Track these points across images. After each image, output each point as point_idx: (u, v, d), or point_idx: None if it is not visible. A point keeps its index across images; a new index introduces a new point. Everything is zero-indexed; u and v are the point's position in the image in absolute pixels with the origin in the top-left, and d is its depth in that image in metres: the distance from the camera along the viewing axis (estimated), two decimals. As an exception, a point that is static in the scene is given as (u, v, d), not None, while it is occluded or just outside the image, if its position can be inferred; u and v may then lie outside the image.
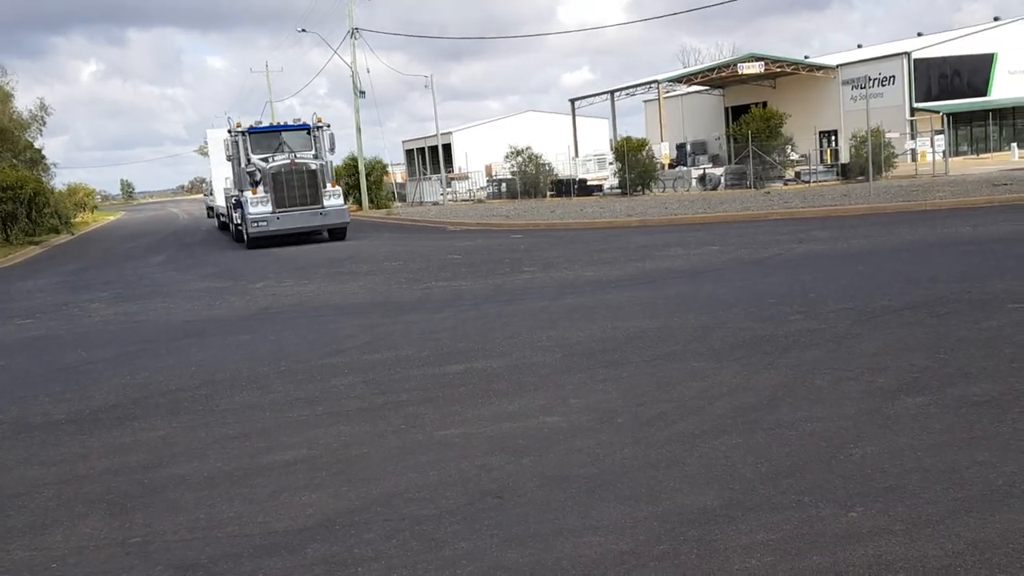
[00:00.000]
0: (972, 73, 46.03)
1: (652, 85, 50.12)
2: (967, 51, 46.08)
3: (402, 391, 6.36)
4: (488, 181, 52.31)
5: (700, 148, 55.44)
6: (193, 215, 61.27)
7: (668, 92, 53.43)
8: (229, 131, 25.18)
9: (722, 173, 37.43)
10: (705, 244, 15.22)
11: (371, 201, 44.46)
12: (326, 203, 23.38)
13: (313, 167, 23.31)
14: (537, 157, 43.75)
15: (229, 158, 24.97)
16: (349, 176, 45.93)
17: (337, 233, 24.46)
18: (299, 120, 25.14)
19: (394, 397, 6.19)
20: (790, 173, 35.59)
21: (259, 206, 22.66)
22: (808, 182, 33.30)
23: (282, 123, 25.72)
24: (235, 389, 6.85)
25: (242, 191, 23.76)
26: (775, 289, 9.63)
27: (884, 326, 7.10)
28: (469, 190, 53.48)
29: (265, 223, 22.69)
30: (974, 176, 27.43)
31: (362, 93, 43.96)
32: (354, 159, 45.55)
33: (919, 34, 57.03)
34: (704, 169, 40.28)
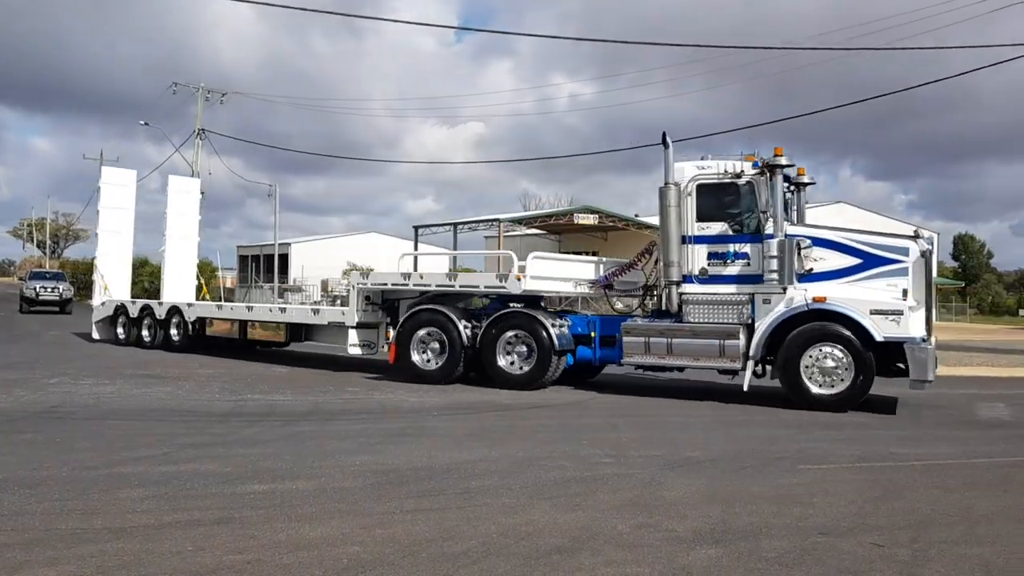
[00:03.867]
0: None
1: (494, 223, 51.82)
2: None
3: (196, 509, 5.94)
4: (323, 296, 51.55)
5: (535, 287, 57.00)
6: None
7: (509, 231, 55.32)
8: None
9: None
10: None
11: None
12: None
13: None
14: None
15: None
16: (175, 276, 43.96)
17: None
18: None
19: (186, 515, 5.76)
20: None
21: None
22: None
23: None
24: (4, 491, 6.17)
25: None
26: (590, 431, 9.87)
27: (686, 476, 7.37)
28: (303, 303, 52.42)
29: None
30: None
31: (201, 194, 42.88)
32: (183, 259, 43.79)
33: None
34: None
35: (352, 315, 15.96)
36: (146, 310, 21.27)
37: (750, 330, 12.33)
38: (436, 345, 14.38)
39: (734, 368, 12.55)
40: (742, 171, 12.53)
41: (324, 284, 54.69)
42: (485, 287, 15.05)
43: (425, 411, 11.26)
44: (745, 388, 12.39)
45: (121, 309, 21.99)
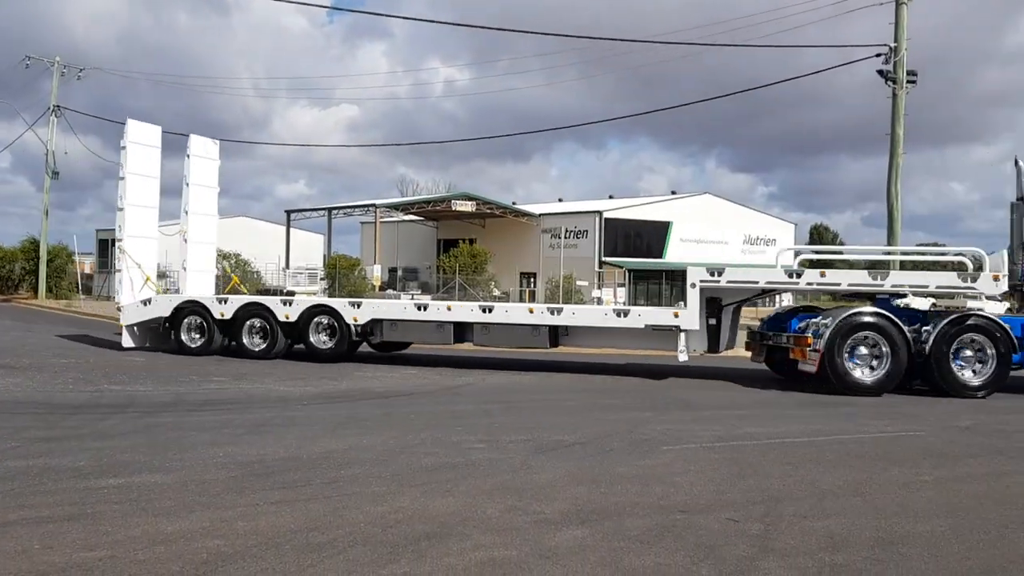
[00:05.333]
0: (652, 236, 52.15)
1: (370, 208, 51.20)
2: (650, 217, 52.33)
3: (45, 505, 5.62)
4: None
5: (412, 275, 56.95)
6: None
7: (385, 217, 54.80)
8: None
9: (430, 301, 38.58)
10: (401, 366, 15.43)
11: (49, 290, 40.29)
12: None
13: None
14: (245, 263, 42.44)
15: None
16: (27, 261, 41.49)
17: None
18: None
19: (34, 512, 5.45)
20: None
21: None
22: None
23: None
24: None
25: None
26: (464, 417, 9.93)
27: (556, 460, 7.51)
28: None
29: None
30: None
31: (55, 174, 40.51)
32: (34, 242, 41.35)
33: (610, 196, 64.07)
34: (413, 295, 41.28)
35: (692, 318, 14.07)
36: (255, 311, 16.34)
37: None
38: (865, 351, 12.94)
39: None
40: None
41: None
42: (937, 286, 13.62)
43: (294, 400, 11.03)
44: None
45: (192, 309, 16.76)
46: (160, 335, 17.53)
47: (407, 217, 57.65)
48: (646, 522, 5.60)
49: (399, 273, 56.58)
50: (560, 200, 68.70)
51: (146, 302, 17.31)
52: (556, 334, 15.21)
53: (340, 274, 38.99)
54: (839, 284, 14.00)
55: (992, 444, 9.06)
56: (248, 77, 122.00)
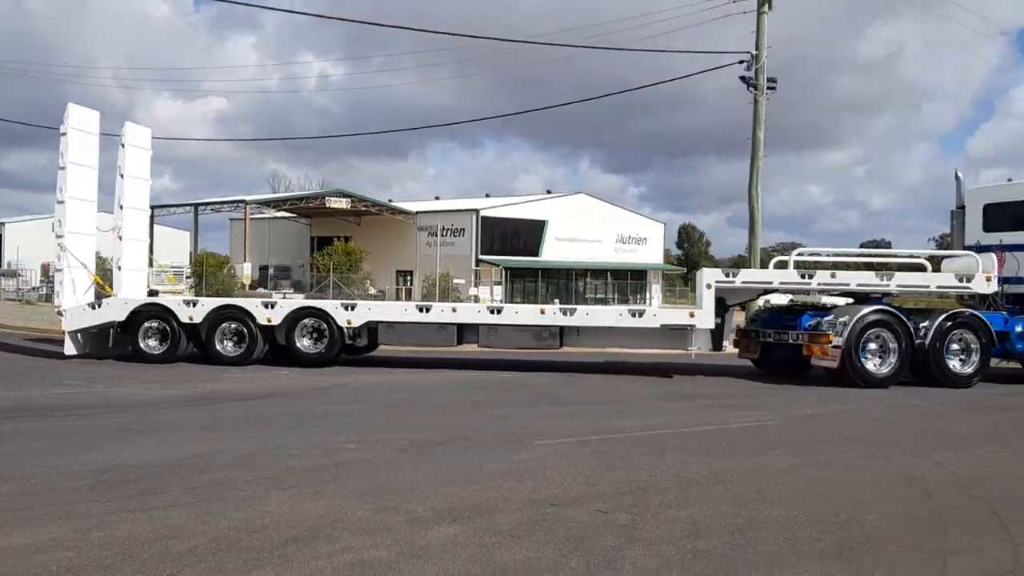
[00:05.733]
0: (528, 235, 52.73)
1: (239, 205, 49.59)
2: (525, 216, 52.89)
3: None
4: (42, 281, 46.76)
5: (284, 273, 55.53)
6: None
7: (256, 214, 53.22)
8: None
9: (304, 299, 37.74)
10: (274, 368, 14.99)
11: None
12: None
13: None
14: (104, 261, 40.29)
15: None
16: None
17: None
18: None
19: None
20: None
21: None
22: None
23: None
24: None
25: None
26: (333, 417, 9.75)
27: (427, 458, 7.48)
28: (19, 289, 47.25)
29: None
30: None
31: None
32: None
33: (487, 195, 64.37)
34: (284, 294, 40.29)
35: (708, 317, 14.58)
36: (230, 314, 15.36)
37: None
38: (874, 346, 14.02)
39: None
40: None
41: (45, 268, 49.65)
42: (938, 287, 15.00)
43: (154, 404, 10.54)
44: None
45: (152, 312, 15.53)
46: (101, 341, 16.05)
47: (279, 214, 56.17)
48: (517, 517, 5.64)
49: (271, 271, 55.08)
50: (437, 198, 68.54)
51: (94, 305, 15.82)
52: (563, 334, 15.26)
53: (208, 272, 37.60)
54: (848, 284, 14.87)
55: (840, 431, 9.61)
56: (108, 67, 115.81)
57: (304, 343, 15.33)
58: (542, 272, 53.10)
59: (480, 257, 49.58)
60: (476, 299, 43.22)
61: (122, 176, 17.03)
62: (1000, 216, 15.75)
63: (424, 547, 4.98)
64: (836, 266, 16.22)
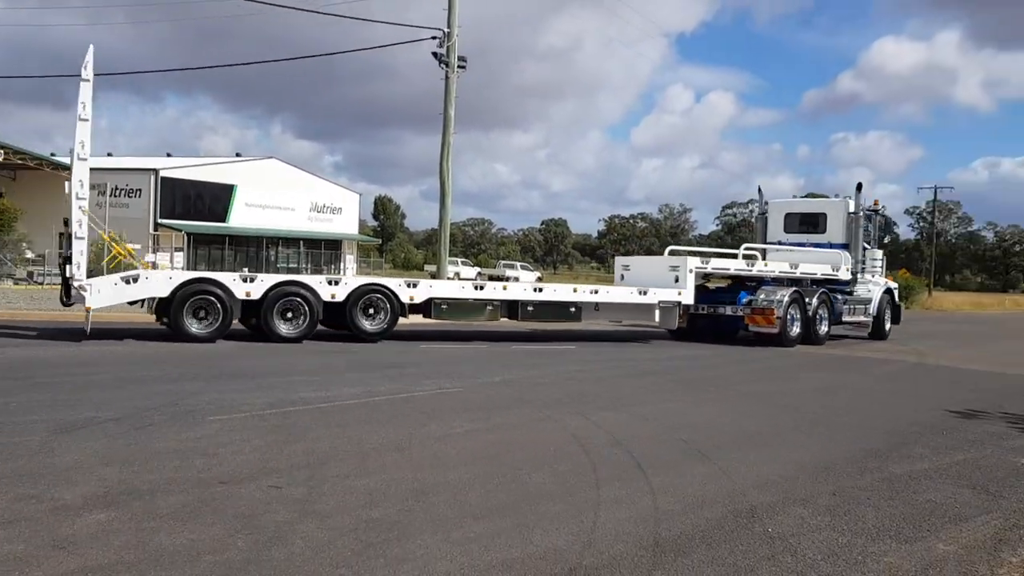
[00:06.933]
0: (214, 199, 49.79)
1: None
2: (212, 178, 49.86)
3: None
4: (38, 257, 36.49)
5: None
6: None
7: None
8: None
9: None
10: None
11: None
12: None
13: None
14: None
15: None
16: None
17: None
18: None
19: None
20: (23, 272, 33.05)
21: None
22: (41, 283, 31.33)
23: None
24: None
25: None
26: (-29, 398, 8.52)
27: (83, 439, 6.78)
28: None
29: None
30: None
31: None
32: None
33: (168, 154, 59.87)
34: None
35: (690, 295, 18.57)
36: (292, 291, 14.91)
37: None
38: (799, 313, 19.27)
39: None
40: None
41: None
42: (825, 275, 20.74)
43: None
44: None
45: (201, 288, 14.38)
46: None
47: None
48: (182, 498, 5.29)
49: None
50: (109, 155, 62.43)
51: (128, 279, 14.16)
52: (581, 311, 17.74)
53: None
54: (774, 271, 19.85)
55: (520, 396, 10.18)
56: None
57: (368, 319, 15.66)
58: (230, 239, 50.51)
59: (160, 221, 46.07)
60: (155, 265, 40.07)
61: (82, 119, 13.82)
62: (792, 222, 22.46)
63: (70, 537, 4.49)
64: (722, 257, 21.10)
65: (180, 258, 36.93)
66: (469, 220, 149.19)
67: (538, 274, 72.95)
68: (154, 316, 15.02)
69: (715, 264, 19.69)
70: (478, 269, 71.40)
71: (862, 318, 22.00)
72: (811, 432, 8.77)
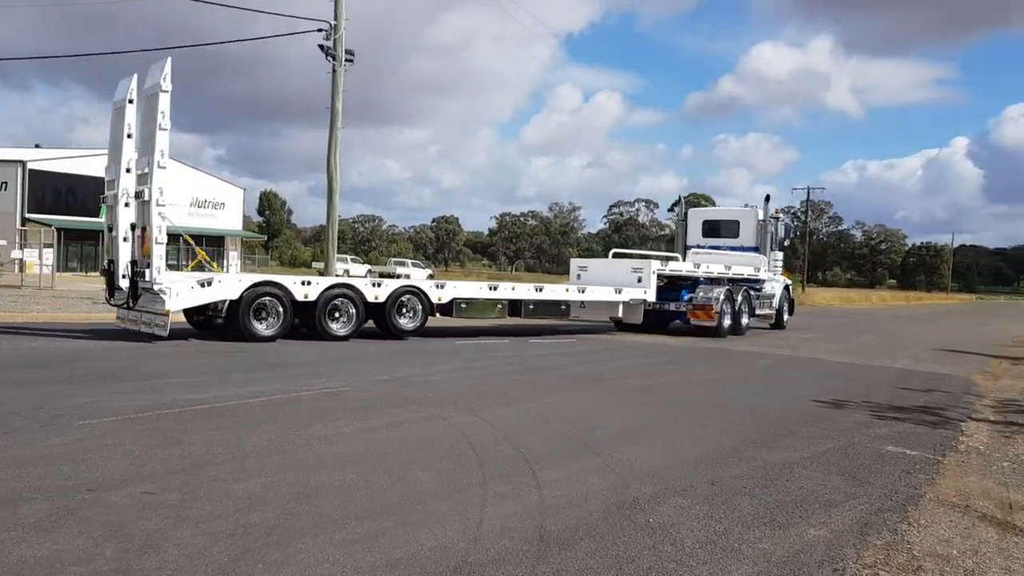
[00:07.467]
0: (87, 193, 47.35)
1: None
2: (86, 172, 47.42)
3: None
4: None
5: None
6: None
7: None
8: None
9: None
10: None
11: None
12: None
13: None
14: None
15: None
16: None
17: None
18: None
19: None
20: None
21: None
22: None
23: None
24: None
25: None
26: None
27: (-62, 447, 6.32)
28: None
29: None
30: (78, 291, 27.87)
31: None
32: None
33: (37, 146, 56.69)
34: None
35: (653, 294, 21.23)
36: (341, 292, 16.04)
37: None
38: (730, 309, 21.90)
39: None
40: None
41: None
42: (748, 275, 23.80)
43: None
44: None
45: (266, 291, 15.17)
46: None
47: None
48: (46, 507, 5.00)
49: None
50: (-28, 146, 58.61)
51: (203, 283, 14.78)
52: (570, 308, 19.91)
53: None
54: (713, 273, 22.56)
55: (406, 395, 10.07)
56: None
57: (402, 318, 16.97)
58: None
59: (28, 216, 43.59)
60: (22, 264, 37.86)
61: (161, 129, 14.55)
62: (709, 228, 25.56)
63: (-84, 554, 4.17)
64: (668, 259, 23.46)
65: (50, 255, 34.88)
66: (359, 217, 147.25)
67: (429, 271, 72.37)
68: (184, 316, 15.84)
69: (672, 266, 22.20)
70: (368, 267, 70.38)
71: (768, 311, 24.99)
72: (693, 424, 9.04)
